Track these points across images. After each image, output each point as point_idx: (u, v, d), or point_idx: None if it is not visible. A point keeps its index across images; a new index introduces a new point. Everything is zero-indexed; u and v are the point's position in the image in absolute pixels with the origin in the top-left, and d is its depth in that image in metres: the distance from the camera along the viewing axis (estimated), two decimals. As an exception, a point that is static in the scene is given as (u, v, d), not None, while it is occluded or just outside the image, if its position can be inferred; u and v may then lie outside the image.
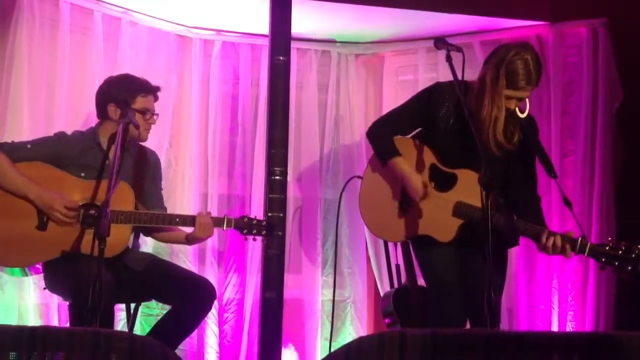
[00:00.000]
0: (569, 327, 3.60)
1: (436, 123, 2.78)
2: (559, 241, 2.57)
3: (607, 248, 2.55)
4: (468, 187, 2.67)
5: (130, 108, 2.83)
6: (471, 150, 2.54)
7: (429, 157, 2.80)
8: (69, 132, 2.95)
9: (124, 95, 2.87)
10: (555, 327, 3.62)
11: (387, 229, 2.85)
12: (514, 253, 3.74)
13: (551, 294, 3.68)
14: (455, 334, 1.76)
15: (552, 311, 3.66)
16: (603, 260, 2.55)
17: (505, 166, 2.77)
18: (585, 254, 2.57)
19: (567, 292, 3.65)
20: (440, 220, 2.72)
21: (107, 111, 2.89)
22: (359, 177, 3.08)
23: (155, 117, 2.96)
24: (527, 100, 2.70)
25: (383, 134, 2.87)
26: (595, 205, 3.62)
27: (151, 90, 2.94)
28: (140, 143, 2.99)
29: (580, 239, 2.58)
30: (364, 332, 3.96)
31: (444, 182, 2.76)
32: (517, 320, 3.72)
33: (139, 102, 2.89)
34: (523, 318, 3.72)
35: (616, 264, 2.53)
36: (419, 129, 2.88)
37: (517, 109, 2.70)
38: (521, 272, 3.75)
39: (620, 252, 2.53)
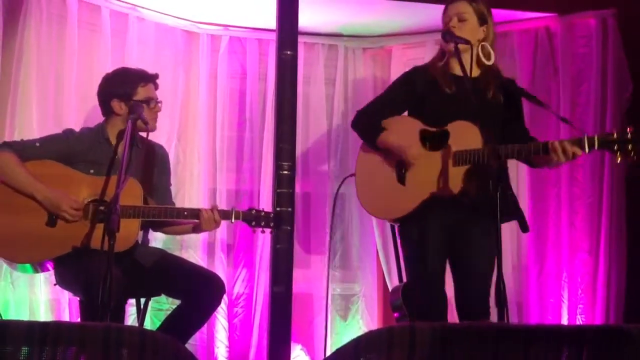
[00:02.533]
0: (579, 320, 3.59)
1: (418, 102, 2.79)
2: (567, 145, 2.53)
3: (614, 136, 2.49)
4: (462, 136, 2.63)
5: (137, 103, 2.83)
6: (457, 105, 2.53)
7: (416, 125, 2.77)
8: (77, 127, 2.96)
9: (124, 89, 2.87)
10: (565, 321, 3.60)
11: (392, 208, 2.81)
12: (524, 246, 3.74)
13: (561, 288, 3.67)
14: (464, 328, 1.75)
15: (562, 304, 3.65)
16: (616, 147, 2.47)
17: (492, 120, 2.73)
18: (596, 147, 2.51)
19: (577, 285, 3.64)
20: (443, 176, 2.67)
21: (111, 107, 2.89)
22: (353, 175, 3.03)
23: (159, 104, 2.96)
24: (490, 48, 2.74)
25: (367, 120, 2.87)
26: (605, 197, 3.60)
27: (150, 79, 2.94)
28: (149, 138, 2.99)
29: (585, 136, 2.53)
30: (374, 326, 3.96)
31: (437, 141, 2.72)
32: (527, 314, 3.71)
33: (141, 93, 2.89)
34: (533, 311, 3.70)
35: (629, 147, 2.46)
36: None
37: (481, 54, 2.71)
38: (531, 266, 3.73)
39: (629, 135, 2.46)
